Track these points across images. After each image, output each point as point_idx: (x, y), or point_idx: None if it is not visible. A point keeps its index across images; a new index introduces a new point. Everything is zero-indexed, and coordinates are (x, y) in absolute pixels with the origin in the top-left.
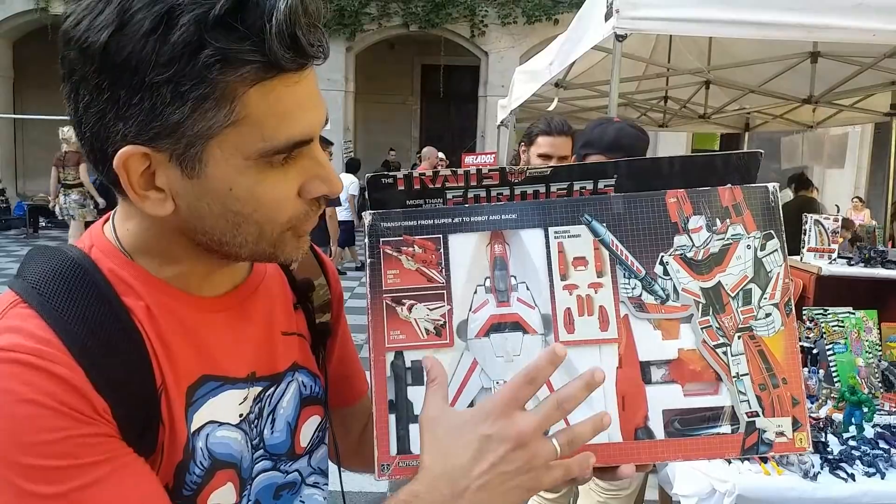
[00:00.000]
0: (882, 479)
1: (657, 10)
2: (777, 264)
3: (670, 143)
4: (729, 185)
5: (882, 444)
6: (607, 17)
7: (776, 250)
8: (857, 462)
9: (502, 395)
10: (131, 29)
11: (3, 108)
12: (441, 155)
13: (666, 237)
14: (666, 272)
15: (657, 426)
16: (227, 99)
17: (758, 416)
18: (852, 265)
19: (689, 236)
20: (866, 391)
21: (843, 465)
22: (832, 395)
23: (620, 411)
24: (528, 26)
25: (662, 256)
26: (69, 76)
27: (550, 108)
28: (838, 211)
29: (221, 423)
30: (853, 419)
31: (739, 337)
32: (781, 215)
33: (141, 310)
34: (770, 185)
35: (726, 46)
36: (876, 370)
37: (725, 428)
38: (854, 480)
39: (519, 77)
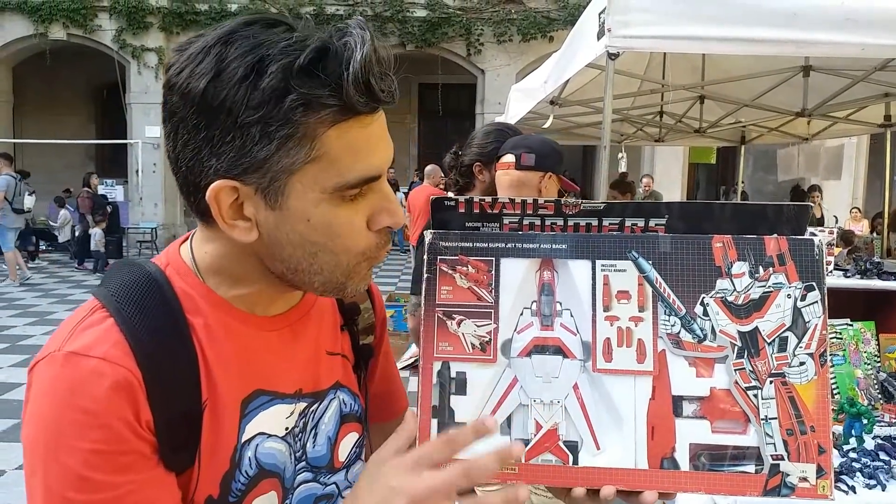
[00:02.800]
0: (883, 490)
1: (649, 29)
2: (816, 315)
3: (667, 158)
4: (775, 235)
5: (882, 456)
6: (600, 35)
7: (816, 302)
8: (858, 474)
9: (419, 451)
10: (227, 76)
11: (2, 133)
12: (440, 173)
13: (709, 279)
14: (706, 313)
15: (683, 458)
16: (308, 138)
17: (783, 459)
18: (848, 277)
19: (732, 281)
20: (865, 403)
21: (843, 477)
22: (832, 406)
23: (649, 440)
24: (524, 44)
25: (704, 298)
26: (170, 118)
27: (546, 125)
28: (836, 222)
29: (270, 435)
30: (853, 431)
31: (771, 382)
32: (825, 269)
33: (201, 327)
34: (816, 239)
35: (720, 62)
36: (875, 381)
37: (750, 467)
38: (855, 493)
39: (514, 95)
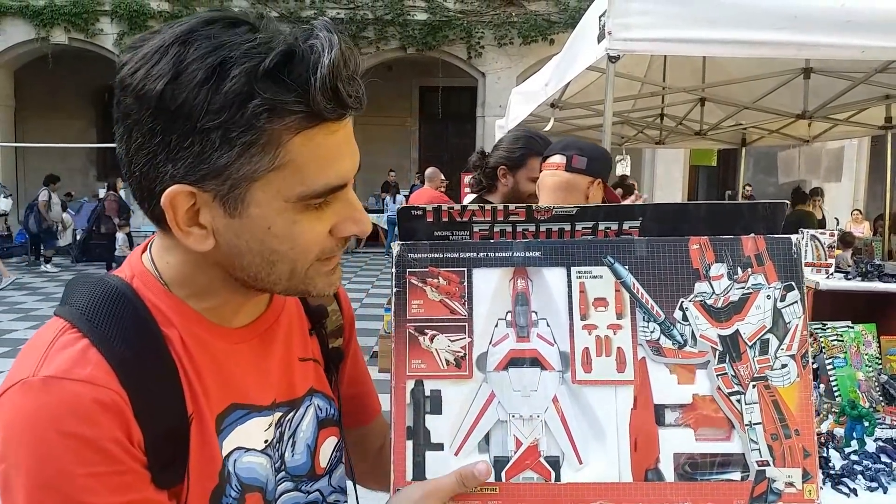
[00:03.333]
0: (884, 493)
1: (649, 32)
2: (796, 316)
3: (668, 160)
4: (752, 235)
5: (884, 458)
6: (600, 38)
7: (796, 302)
8: (859, 477)
9: None
10: (186, 78)
11: (4, 137)
12: (440, 176)
13: (687, 283)
14: (685, 318)
15: (668, 468)
16: (272, 145)
17: (768, 465)
18: (849, 279)
19: (710, 283)
20: (867, 405)
21: (845, 479)
22: (833, 409)
23: (633, 452)
24: (525, 47)
25: (682, 302)
26: (123, 119)
27: (547, 128)
28: (837, 224)
29: (248, 449)
30: (854, 433)
31: (754, 386)
32: (803, 267)
33: (176, 340)
34: (793, 237)
35: (720, 64)
36: (876, 384)
37: (735, 475)
38: (856, 495)
39: (515, 98)
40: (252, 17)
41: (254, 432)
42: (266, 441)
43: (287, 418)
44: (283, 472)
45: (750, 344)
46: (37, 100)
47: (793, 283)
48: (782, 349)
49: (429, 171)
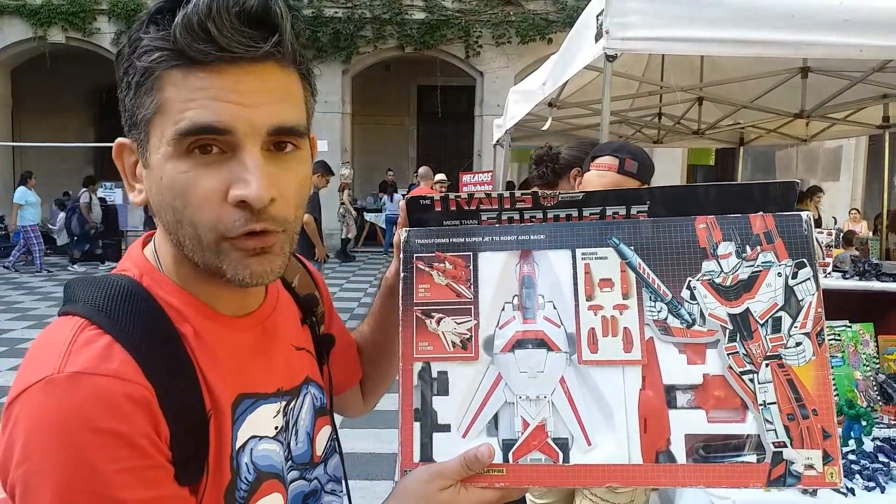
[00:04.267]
0: (882, 492)
1: (647, 31)
2: (809, 293)
3: (666, 160)
4: (761, 213)
5: (881, 458)
6: (597, 37)
7: (809, 279)
8: (857, 476)
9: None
10: (129, 34)
11: (1, 137)
12: (441, 176)
13: (694, 262)
14: (693, 297)
15: (679, 451)
16: (151, 85)
17: (785, 446)
18: (847, 278)
19: (718, 262)
20: (864, 404)
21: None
22: None
23: (642, 433)
24: (522, 46)
25: (690, 281)
26: None
27: (545, 128)
28: (835, 223)
29: (262, 437)
30: (852, 433)
31: (767, 365)
32: (815, 244)
33: (191, 336)
34: (804, 214)
35: (718, 63)
36: (874, 383)
37: (751, 457)
38: (854, 495)
39: (513, 97)
40: None
41: (264, 420)
42: (276, 427)
43: (291, 406)
44: (290, 461)
45: (761, 322)
46: (34, 99)
47: (804, 261)
48: (796, 327)
49: (422, 170)
